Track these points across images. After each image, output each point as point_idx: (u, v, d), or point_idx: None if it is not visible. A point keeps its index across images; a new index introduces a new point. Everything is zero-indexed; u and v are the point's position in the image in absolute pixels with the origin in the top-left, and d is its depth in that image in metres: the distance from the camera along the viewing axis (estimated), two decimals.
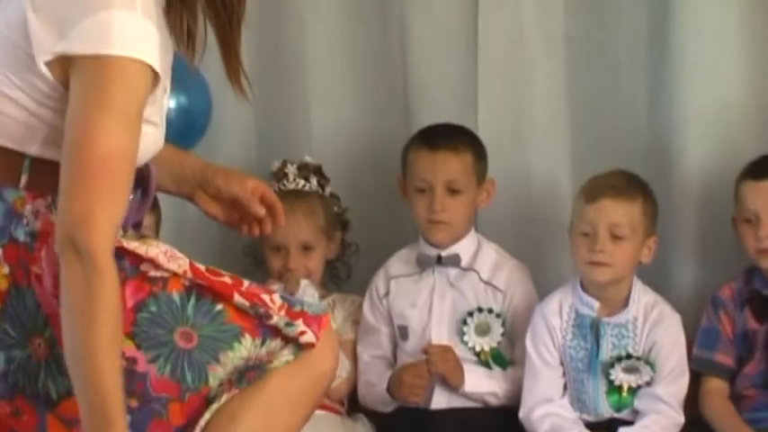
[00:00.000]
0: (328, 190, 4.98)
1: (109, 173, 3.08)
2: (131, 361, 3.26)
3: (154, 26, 3.21)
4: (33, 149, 3.27)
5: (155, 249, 3.33)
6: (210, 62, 4.78)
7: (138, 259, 3.32)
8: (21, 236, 3.20)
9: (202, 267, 3.32)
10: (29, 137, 3.27)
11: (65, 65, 3.16)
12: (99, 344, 3.06)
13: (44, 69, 3.18)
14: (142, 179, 3.43)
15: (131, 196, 3.39)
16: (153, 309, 3.29)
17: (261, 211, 3.61)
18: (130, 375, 3.25)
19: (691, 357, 4.60)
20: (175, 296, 3.31)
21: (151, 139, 3.29)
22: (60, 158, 3.20)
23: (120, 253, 3.27)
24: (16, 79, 3.26)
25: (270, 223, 3.70)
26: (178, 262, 3.32)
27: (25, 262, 3.21)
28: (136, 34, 3.13)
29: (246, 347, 3.34)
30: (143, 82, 3.13)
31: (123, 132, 3.08)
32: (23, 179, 3.24)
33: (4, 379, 3.23)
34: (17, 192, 3.21)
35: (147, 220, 4.61)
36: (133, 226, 3.53)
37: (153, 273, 3.31)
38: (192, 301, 3.31)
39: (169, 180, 3.64)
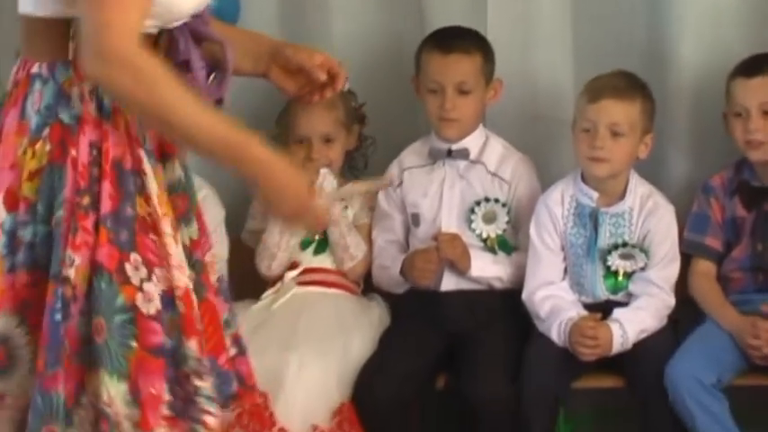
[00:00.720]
0: (347, 86, 4.65)
1: None
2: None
3: None
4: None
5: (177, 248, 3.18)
6: None
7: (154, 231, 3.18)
8: (66, 118, 3.10)
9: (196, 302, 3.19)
10: None
11: None
12: (183, 111, 3.00)
13: None
14: (218, 62, 3.35)
15: (211, 78, 3.33)
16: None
17: (322, 76, 3.47)
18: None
19: (682, 241, 4.57)
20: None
21: None
22: None
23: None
24: None
25: (330, 88, 3.56)
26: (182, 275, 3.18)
27: (65, 143, 3.09)
28: None
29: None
30: None
31: None
32: (71, 47, 3.11)
33: (29, 249, 3.13)
34: (67, 71, 3.09)
35: None
36: (216, 102, 3.44)
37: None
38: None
39: (247, 60, 3.51)
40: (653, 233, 4.52)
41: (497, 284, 4.64)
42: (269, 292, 4.73)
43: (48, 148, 3.09)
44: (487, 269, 4.65)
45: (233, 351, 3.34)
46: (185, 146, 3.22)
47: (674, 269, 4.50)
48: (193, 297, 3.18)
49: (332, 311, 4.68)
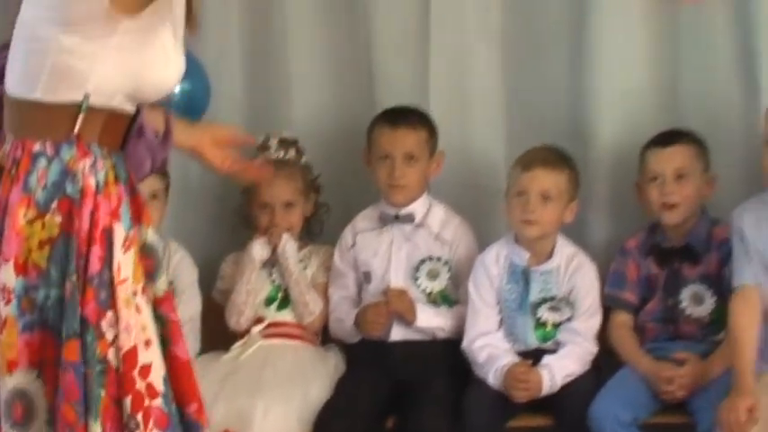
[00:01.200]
0: (304, 159, 4.96)
1: None
2: None
3: None
4: (83, 93, 3.19)
5: (129, 311, 3.20)
6: (209, 54, 4.99)
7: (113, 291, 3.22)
8: (71, 191, 3.16)
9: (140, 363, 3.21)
10: (80, 82, 3.19)
11: None
12: None
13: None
14: (165, 123, 3.46)
15: (156, 137, 3.45)
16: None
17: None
18: None
19: (602, 295, 4.61)
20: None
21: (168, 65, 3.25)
22: (104, 104, 3.18)
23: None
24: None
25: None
26: (132, 335, 3.20)
27: (72, 214, 3.15)
28: None
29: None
30: None
31: None
32: (78, 128, 3.17)
33: (40, 311, 3.15)
34: (71, 149, 3.16)
35: (159, 185, 4.81)
36: (160, 165, 3.55)
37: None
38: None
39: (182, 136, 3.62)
40: (577, 288, 4.58)
41: (440, 334, 4.66)
42: (237, 345, 4.76)
43: (58, 220, 3.14)
44: (431, 321, 4.68)
45: None
46: None
47: (596, 320, 4.55)
48: (138, 358, 3.20)
49: (293, 361, 4.72)
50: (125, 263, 3.21)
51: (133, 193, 3.33)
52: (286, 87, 5.19)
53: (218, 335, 4.84)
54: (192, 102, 4.92)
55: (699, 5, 4.89)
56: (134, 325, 3.19)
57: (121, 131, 3.33)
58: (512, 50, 5.07)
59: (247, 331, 4.79)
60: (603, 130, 4.94)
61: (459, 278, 4.74)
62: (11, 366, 3.19)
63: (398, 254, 4.78)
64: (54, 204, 3.16)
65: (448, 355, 4.65)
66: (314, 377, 4.63)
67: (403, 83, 5.08)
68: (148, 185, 4.62)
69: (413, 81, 5.08)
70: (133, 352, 3.16)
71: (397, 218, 4.78)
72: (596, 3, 4.93)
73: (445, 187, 4.95)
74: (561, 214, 4.60)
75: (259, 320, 4.82)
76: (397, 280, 4.75)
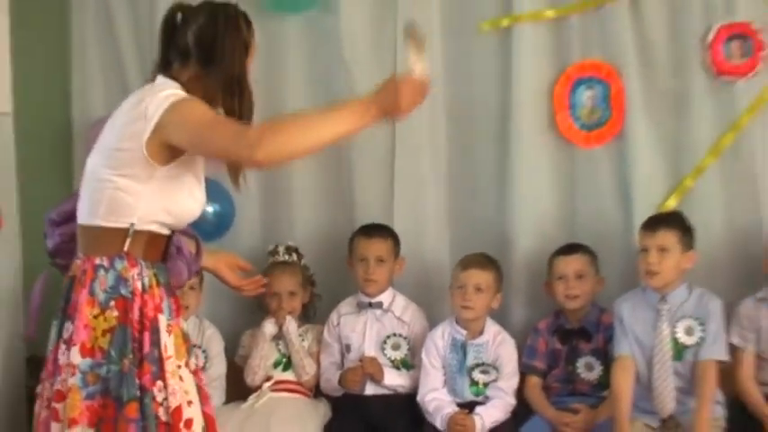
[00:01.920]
0: (303, 261, 5.19)
1: None
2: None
3: None
4: (131, 221, 3.37)
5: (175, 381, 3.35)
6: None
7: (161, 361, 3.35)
8: (125, 293, 3.35)
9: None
10: (129, 212, 3.37)
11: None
12: (316, 130, 3.22)
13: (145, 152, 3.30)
14: (197, 246, 3.75)
15: (191, 255, 3.71)
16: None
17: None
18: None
19: (520, 363, 4.82)
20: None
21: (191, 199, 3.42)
22: (145, 228, 3.37)
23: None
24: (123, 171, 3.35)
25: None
26: (175, 398, 3.33)
27: (126, 310, 3.34)
28: None
29: None
30: None
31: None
32: (127, 247, 3.36)
33: (103, 382, 3.31)
34: (123, 262, 3.35)
35: (196, 280, 4.98)
36: (195, 274, 3.89)
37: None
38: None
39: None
40: (501, 357, 4.79)
41: (401, 390, 4.90)
42: (252, 396, 4.95)
43: (115, 314, 3.33)
44: (395, 380, 4.92)
45: None
46: (337, 140, 3.25)
47: (515, 381, 4.78)
48: (183, 414, 3.33)
49: (293, 409, 4.91)
50: (169, 344, 3.38)
51: (172, 294, 3.50)
52: (289, 210, 5.37)
53: (238, 389, 5.01)
54: (222, 219, 5.26)
55: (590, 152, 5.09)
56: (178, 390, 3.34)
57: (160, 248, 3.48)
58: (454, 182, 5.25)
59: (260, 387, 4.98)
60: (521, 242, 5.12)
61: (415, 349, 4.95)
62: (72, 423, 3.31)
63: (371, 331, 5.01)
64: (112, 303, 3.34)
65: (407, 405, 4.85)
66: (308, 421, 4.85)
67: (374, 206, 5.25)
68: (189, 280, 4.71)
69: (382, 205, 5.25)
70: (179, 410, 3.32)
71: (370, 305, 5.01)
72: (516, 149, 5.10)
73: (405, 282, 5.13)
74: (489, 302, 4.82)
75: (268, 379, 5.01)
76: (370, 350, 4.98)
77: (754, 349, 4.62)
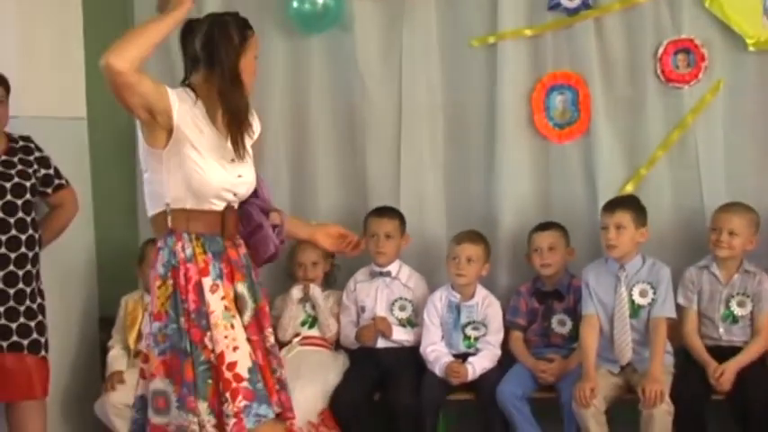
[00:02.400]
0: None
1: None
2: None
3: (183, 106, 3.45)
4: (165, 202, 3.49)
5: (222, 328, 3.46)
6: (267, 171, 4.99)
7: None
8: (174, 263, 3.48)
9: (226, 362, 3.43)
10: (163, 193, 3.49)
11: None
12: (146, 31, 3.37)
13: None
14: (281, 220, 3.76)
15: (275, 230, 3.71)
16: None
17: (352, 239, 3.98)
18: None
19: (505, 321, 4.96)
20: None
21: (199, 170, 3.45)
22: (182, 207, 3.47)
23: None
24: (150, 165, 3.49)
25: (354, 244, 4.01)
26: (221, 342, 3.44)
27: (176, 277, 3.47)
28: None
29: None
30: (159, 97, 3.37)
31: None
32: (170, 224, 3.48)
33: (169, 339, 3.45)
34: (171, 238, 3.47)
35: None
36: (281, 243, 3.79)
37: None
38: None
39: (299, 230, 3.97)
40: (489, 316, 4.95)
41: (407, 343, 5.05)
42: (284, 350, 4.95)
43: (171, 282, 3.48)
44: (401, 335, 5.07)
45: (277, 387, 3.60)
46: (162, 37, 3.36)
47: (500, 335, 4.93)
48: (225, 358, 3.41)
49: (318, 359, 5.03)
50: (212, 301, 3.47)
51: (226, 261, 3.54)
52: (313, 194, 5.44)
53: None
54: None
55: (562, 147, 5.19)
56: (221, 339, 3.43)
57: (208, 221, 3.53)
58: (450, 171, 5.34)
59: (290, 341, 5.09)
60: (505, 220, 5.21)
61: (418, 310, 5.07)
62: (151, 377, 3.47)
63: (381, 295, 5.12)
64: (168, 274, 3.48)
65: (411, 356, 4.99)
66: (330, 369, 4.97)
67: (384, 192, 5.33)
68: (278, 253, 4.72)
69: (390, 189, 5.34)
70: (222, 355, 3.43)
71: (380, 273, 5.12)
72: (501, 144, 5.19)
73: (410, 254, 5.24)
74: (479, 271, 4.96)
75: (297, 335, 5.13)
76: (381, 311, 5.10)
77: (696, 308, 4.74)
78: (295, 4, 5.28)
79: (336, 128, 5.45)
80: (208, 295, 3.47)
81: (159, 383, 3.45)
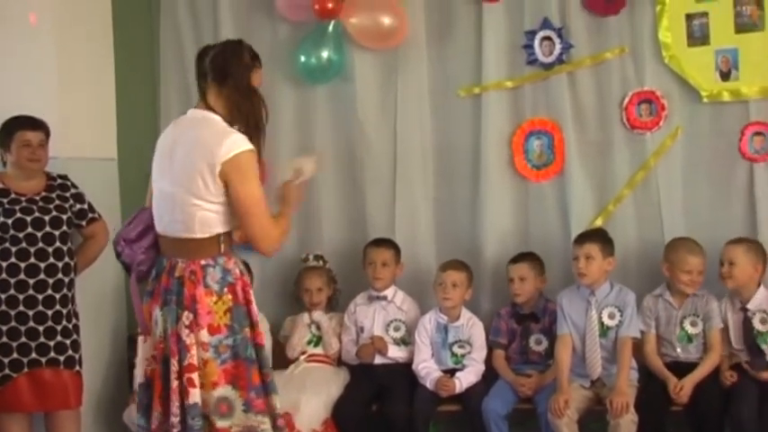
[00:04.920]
0: (328, 265, 5.32)
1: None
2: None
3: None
4: (220, 229, 3.54)
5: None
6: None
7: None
8: (231, 280, 3.53)
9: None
10: (218, 223, 3.53)
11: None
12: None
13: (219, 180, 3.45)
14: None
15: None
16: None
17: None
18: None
19: (488, 340, 4.97)
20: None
21: None
22: (228, 227, 3.54)
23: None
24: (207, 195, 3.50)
25: None
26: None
27: (235, 292, 3.53)
28: None
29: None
30: None
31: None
32: (222, 248, 3.54)
33: (232, 349, 3.50)
34: (222, 259, 3.52)
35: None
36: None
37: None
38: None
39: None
40: (474, 335, 4.97)
41: (400, 360, 5.07)
42: (292, 366, 5.10)
43: (230, 297, 3.53)
44: (396, 353, 5.08)
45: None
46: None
47: (484, 353, 4.94)
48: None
49: (321, 374, 5.06)
50: (256, 312, 3.62)
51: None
52: (318, 227, 5.48)
53: (280, 360, 5.07)
54: None
55: (539, 185, 5.21)
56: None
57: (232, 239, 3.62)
58: (439, 206, 5.38)
59: (297, 358, 5.13)
60: (488, 250, 5.25)
61: (411, 330, 5.09)
62: (214, 385, 3.48)
63: (378, 317, 5.14)
64: (225, 290, 3.52)
65: (405, 371, 5.01)
66: (333, 382, 4.99)
67: (381, 224, 5.37)
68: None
69: (386, 223, 5.38)
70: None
71: (377, 297, 5.15)
72: (485, 182, 5.23)
73: (404, 280, 5.27)
74: (463, 294, 4.99)
75: (303, 352, 5.14)
76: (378, 331, 5.13)
77: (654, 332, 4.80)
78: (302, 59, 5.39)
79: (338, 167, 5.48)
80: (254, 307, 3.62)
81: (222, 391, 3.48)
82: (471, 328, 5.04)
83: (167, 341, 3.53)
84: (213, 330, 3.48)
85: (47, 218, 4.62)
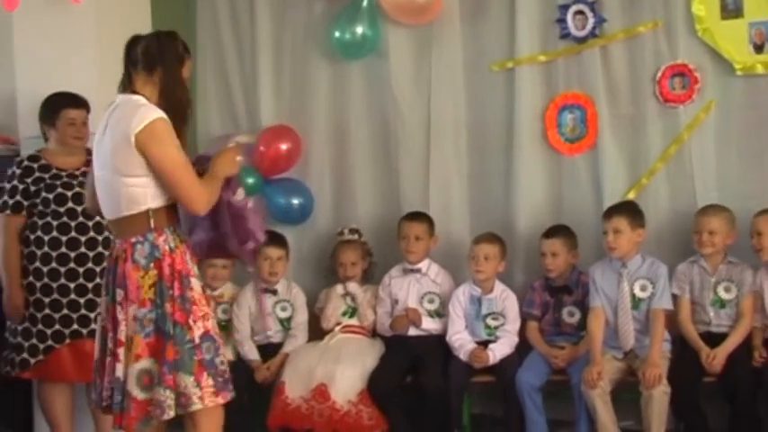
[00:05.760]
0: (363, 238, 5.34)
1: None
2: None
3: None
4: (150, 203, 3.49)
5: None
6: (312, 181, 5.18)
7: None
8: (158, 255, 3.48)
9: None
10: (146, 198, 3.48)
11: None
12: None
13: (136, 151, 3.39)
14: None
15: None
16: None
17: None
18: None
19: (521, 313, 4.99)
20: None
21: None
22: (159, 202, 3.47)
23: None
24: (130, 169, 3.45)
25: None
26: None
27: (161, 267, 3.46)
28: None
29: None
30: None
31: None
32: (153, 223, 3.48)
33: (154, 323, 3.45)
34: (152, 234, 3.47)
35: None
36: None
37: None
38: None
39: None
40: (507, 307, 4.99)
41: (434, 332, 5.07)
42: (327, 337, 5.14)
43: (155, 272, 3.47)
44: (430, 325, 5.10)
45: None
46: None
47: (518, 325, 4.95)
48: (215, 327, 3.52)
49: (357, 345, 5.09)
50: (196, 286, 3.53)
51: (190, 247, 3.58)
52: (353, 201, 5.53)
53: (316, 332, 5.20)
54: (304, 209, 5.50)
55: (572, 159, 5.18)
56: (209, 313, 3.53)
57: (175, 213, 3.56)
58: (473, 180, 5.38)
59: (332, 330, 5.17)
60: (521, 224, 5.24)
61: (445, 302, 5.09)
62: (137, 357, 3.45)
63: (413, 289, 5.15)
64: (152, 265, 3.47)
65: (439, 343, 5.01)
66: (368, 354, 5.01)
67: (415, 199, 5.38)
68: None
69: (421, 197, 5.39)
70: (207, 333, 3.51)
71: (412, 270, 5.16)
72: (518, 156, 5.22)
73: (438, 253, 5.26)
74: (496, 267, 5.00)
75: (339, 324, 5.18)
76: (412, 303, 5.13)
77: (689, 296, 4.76)
78: (337, 34, 5.42)
79: (373, 143, 5.53)
80: (193, 280, 3.53)
81: (145, 363, 3.45)
82: (505, 300, 5.04)
83: (107, 319, 3.59)
84: (140, 304, 3.47)
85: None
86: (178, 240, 3.53)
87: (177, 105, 3.52)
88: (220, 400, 3.54)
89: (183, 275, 3.49)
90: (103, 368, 3.56)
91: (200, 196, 3.46)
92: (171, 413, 3.44)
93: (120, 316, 3.47)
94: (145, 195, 3.47)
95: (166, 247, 3.48)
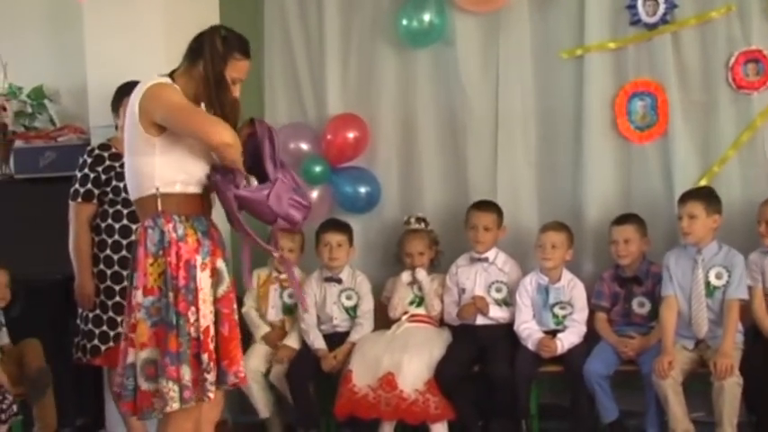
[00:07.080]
0: (429, 227, 5.28)
1: None
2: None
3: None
4: (157, 183, 3.44)
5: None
6: (380, 170, 5.14)
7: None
8: (166, 244, 3.43)
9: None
10: (153, 177, 3.43)
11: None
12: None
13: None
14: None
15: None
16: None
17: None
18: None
19: (590, 303, 4.96)
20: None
21: None
22: (170, 188, 3.41)
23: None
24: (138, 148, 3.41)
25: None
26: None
27: (167, 255, 3.41)
28: None
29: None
30: None
31: None
32: (160, 207, 3.43)
33: (159, 313, 3.41)
34: (160, 219, 3.41)
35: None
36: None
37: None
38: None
39: None
40: (575, 297, 4.95)
41: (502, 321, 5.04)
42: (394, 326, 5.11)
43: (164, 260, 3.43)
44: (497, 314, 5.05)
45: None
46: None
47: (585, 314, 4.92)
48: (211, 330, 3.42)
49: (424, 335, 5.05)
50: (203, 278, 3.45)
51: (211, 239, 3.51)
52: (420, 190, 5.49)
53: (383, 321, 5.18)
54: (371, 198, 5.49)
55: (642, 147, 5.10)
56: (208, 314, 3.45)
57: (196, 204, 3.49)
58: (541, 169, 5.33)
59: (399, 319, 5.14)
60: (590, 213, 5.17)
61: (512, 291, 5.06)
62: (142, 346, 3.42)
63: (480, 278, 5.12)
64: (161, 252, 3.43)
65: (506, 332, 4.99)
66: (435, 343, 4.97)
67: (483, 187, 5.33)
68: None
69: (489, 186, 5.34)
70: (207, 329, 3.44)
71: (479, 259, 5.13)
72: (587, 144, 5.15)
73: (506, 242, 5.21)
74: (563, 256, 4.96)
75: (405, 313, 5.15)
76: (479, 292, 5.10)
77: (761, 286, 4.65)
78: (404, 22, 5.38)
79: (440, 131, 5.48)
80: (198, 272, 3.46)
81: (150, 353, 3.43)
82: (572, 289, 4.99)
83: (127, 304, 3.57)
84: (146, 292, 3.44)
85: None
86: (191, 230, 3.47)
87: (216, 103, 3.44)
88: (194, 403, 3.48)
89: (191, 265, 3.44)
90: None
91: (214, 126, 3.34)
92: (175, 405, 3.41)
93: (134, 301, 3.47)
94: (152, 177, 3.43)
95: (174, 235, 3.44)
